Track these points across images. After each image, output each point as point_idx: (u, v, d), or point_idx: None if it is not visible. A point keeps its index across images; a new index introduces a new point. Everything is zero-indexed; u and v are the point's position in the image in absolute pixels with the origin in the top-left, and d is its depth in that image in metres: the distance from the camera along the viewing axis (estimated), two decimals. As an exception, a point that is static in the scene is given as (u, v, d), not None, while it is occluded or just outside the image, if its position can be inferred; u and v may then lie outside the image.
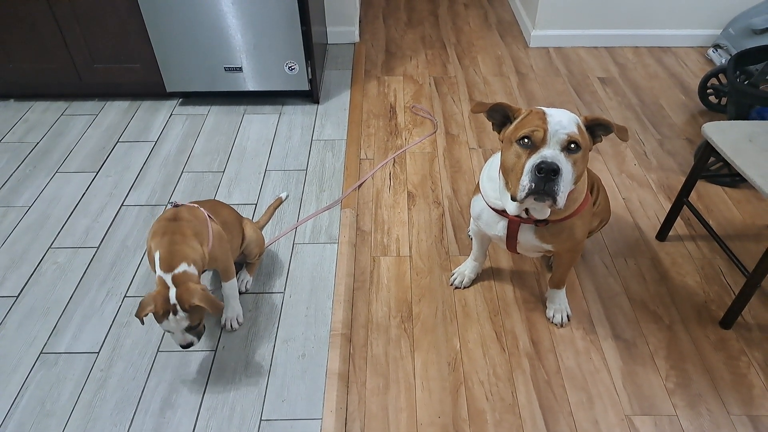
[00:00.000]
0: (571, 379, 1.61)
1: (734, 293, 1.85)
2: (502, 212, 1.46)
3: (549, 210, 1.37)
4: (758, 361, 1.64)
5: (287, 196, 2.22)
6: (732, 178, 2.26)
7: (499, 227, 1.50)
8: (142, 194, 2.22)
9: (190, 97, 2.79)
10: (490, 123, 1.41)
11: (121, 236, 2.04)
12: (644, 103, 2.80)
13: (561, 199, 1.24)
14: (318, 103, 2.77)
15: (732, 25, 3.05)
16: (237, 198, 2.21)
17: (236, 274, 1.78)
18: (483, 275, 1.92)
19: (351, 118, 2.68)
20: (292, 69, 2.58)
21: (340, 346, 1.67)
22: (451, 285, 1.88)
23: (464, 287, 1.87)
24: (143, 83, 2.67)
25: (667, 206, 2.19)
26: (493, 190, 1.47)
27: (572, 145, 1.25)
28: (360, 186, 2.31)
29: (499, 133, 1.39)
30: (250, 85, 2.64)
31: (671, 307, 1.82)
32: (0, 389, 1.56)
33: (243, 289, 1.83)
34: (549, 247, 1.49)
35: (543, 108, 1.30)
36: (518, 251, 1.57)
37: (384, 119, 2.71)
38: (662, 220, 2.04)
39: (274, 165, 2.38)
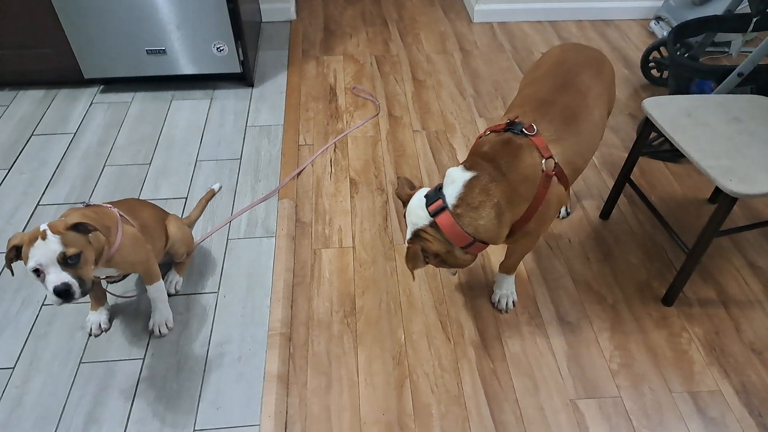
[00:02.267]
0: (517, 366, 1.58)
1: (676, 269, 1.85)
2: None
3: None
4: (699, 336, 1.65)
5: (220, 188, 2.09)
6: (673, 153, 2.27)
7: None
8: (60, 191, 2.05)
9: (112, 84, 2.59)
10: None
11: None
12: (587, 78, 2.78)
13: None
14: (252, 86, 2.63)
15: (671, -3, 3.05)
16: (165, 192, 2.06)
17: (164, 275, 1.67)
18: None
19: (288, 101, 2.55)
20: (221, 50, 2.42)
21: (278, 346, 1.59)
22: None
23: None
24: (58, 70, 2.45)
25: (611, 184, 2.18)
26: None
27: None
28: (299, 174, 2.20)
29: None
30: (177, 69, 2.47)
31: (615, 286, 1.81)
32: None
33: (172, 291, 1.71)
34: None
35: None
36: None
37: (324, 102, 2.59)
38: (606, 198, 2.03)
39: (205, 155, 2.24)
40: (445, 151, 2.33)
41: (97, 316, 1.60)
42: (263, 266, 1.82)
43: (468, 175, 1.31)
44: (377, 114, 2.52)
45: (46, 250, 1.18)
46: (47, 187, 2.06)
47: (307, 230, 1.98)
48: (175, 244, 1.66)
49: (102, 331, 1.61)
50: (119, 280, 1.66)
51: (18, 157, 2.19)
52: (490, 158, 1.33)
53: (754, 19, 2.19)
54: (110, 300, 1.67)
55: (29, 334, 1.60)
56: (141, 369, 1.53)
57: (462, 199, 1.30)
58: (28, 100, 2.49)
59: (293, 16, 3.18)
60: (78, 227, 1.25)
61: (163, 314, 1.60)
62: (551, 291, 1.78)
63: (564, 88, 1.44)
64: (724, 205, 1.47)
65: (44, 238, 1.19)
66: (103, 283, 1.62)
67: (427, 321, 1.69)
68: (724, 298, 1.76)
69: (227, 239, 1.91)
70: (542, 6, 3.24)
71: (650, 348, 1.63)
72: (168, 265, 1.75)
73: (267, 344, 1.59)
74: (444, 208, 1.30)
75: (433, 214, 1.31)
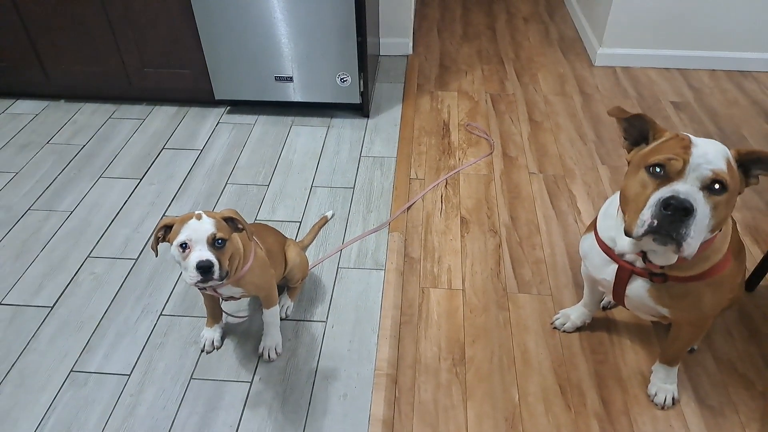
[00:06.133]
0: (646, 448, 1.42)
1: (837, 358, 1.61)
2: (614, 255, 1.25)
3: (674, 256, 1.12)
4: None
5: (333, 215, 2.09)
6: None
7: (608, 272, 1.28)
8: (185, 205, 2.13)
9: (238, 106, 2.71)
10: (622, 138, 1.21)
11: (161, 249, 1.94)
12: (724, 132, 2.57)
13: (690, 247, 1.00)
14: (368, 117, 2.65)
15: (825, 50, 2.78)
16: (281, 214, 2.09)
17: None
18: (544, 317, 1.74)
19: (402, 134, 2.54)
20: (344, 81, 2.46)
21: (385, 388, 1.52)
22: (552, 324, 1.71)
23: (565, 331, 1.69)
24: (192, 89, 2.60)
25: (756, 251, 1.97)
26: (607, 228, 1.27)
27: (716, 185, 1.00)
28: (409, 208, 2.16)
29: (629, 152, 1.19)
30: (300, 96, 2.54)
31: (764, 370, 1.59)
32: (28, 408, 1.47)
33: (283, 315, 1.71)
34: (665, 311, 1.26)
35: (689, 135, 1.08)
36: (627, 307, 1.35)
37: (437, 137, 2.56)
38: (752, 268, 1.82)
39: (320, 181, 2.26)
40: (564, 197, 2.21)
41: (212, 333, 1.62)
42: (371, 300, 1.78)
43: None
44: (491, 153, 2.45)
45: (198, 229, 1.22)
46: (173, 199, 2.16)
47: (416, 267, 1.93)
48: (293, 269, 1.65)
49: (214, 349, 1.62)
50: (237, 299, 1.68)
51: (149, 168, 2.32)
52: None
53: None
54: (224, 318, 1.68)
55: (146, 343, 1.64)
56: (248, 394, 1.51)
57: None
58: (162, 115, 2.65)
59: (410, 51, 3.20)
60: (230, 221, 1.30)
61: (274, 339, 1.59)
62: (688, 368, 1.60)
63: None
64: None
65: (199, 218, 1.24)
66: (221, 300, 1.64)
67: (544, 383, 1.57)
68: None
69: (338, 267, 1.89)
70: (672, 53, 3.06)
71: (808, 449, 1.40)
72: (280, 288, 1.75)
73: (373, 384, 1.54)
74: None
75: None
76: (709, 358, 1.62)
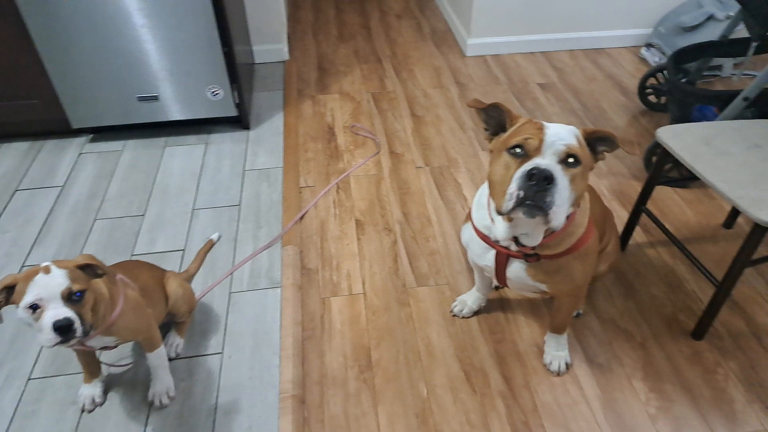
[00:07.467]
0: (550, 417, 1.47)
1: (701, 300, 1.78)
2: (490, 241, 1.31)
3: (541, 234, 1.20)
4: (735, 372, 1.56)
5: (219, 237, 1.99)
6: (683, 179, 2.22)
7: (488, 257, 1.34)
8: (48, 250, 1.92)
9: (102, 133, 2.49)
10: (483, 129, 1.26)
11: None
12: (586, 107, 2.75)
13: (557, 216, 1.06)
14: (248, 128, 2.55)
15: (662, 23, 3.07)
16: (161, 245, 1.95)
17: (163, 336, 1.54)
18: (444, 306, 1.76)
19: (286, 143, 2.47)
20: (216, 94, 2.35)
21: (292, 410, 1.46)
22: (451, 312, 1.73)
23: (464, 317, 1.72)
24: (44, 121, 2.36)
25: (623, 213, 2.12)
26: (481, 218, 1.31)
27: (570, 159, 1.09)
28: (302, 218, 2.11)
29: (490, 141, 1.25)
30: (171, 115, 2.39)
31: (641, 322, 1.72)
32: None
33: (173, 354, 1.59)
34: (543, 287, 1.33)
35: (541, 121, 1.16)
36: (510, 287, 1.41)
37: (323, 142, 2.52)
38: (621, 230, 1.96)
39: (202, 202, 2.14)
40: (451, 186, 2.26)
41: (91, 390, 1.46)
42: (270, 320, 1.70)
43: None
44: (378, 152, 2.45)
45: (49, 284, 1.09)
46: (33, 245, 1.94)
47: (314, 278, 1.88)
48: (177, 302, 1.54)
49: (96, 406, 1.47)
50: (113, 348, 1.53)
51: (0, 215, 2.07)
52: None
53: (754, 44, 2.17)
54: (104, 370, 1.53)
55: (14, 414, 1.46)
56: (143, 444, 1.39)
57: None
58: (12, 153, 2.38)
59: (286, 56, 3.13)
60: (87, 268, 1.17)
61: (164, 383, 1.47)
62: (576, 331, 1.69)
63: None
64: (755, 235, 1.41)
65: (48, 272, 1.10)
66: (97, 352, 1.49)
67: (449, 372, 1.58)
68: (755, 329, 1.68)
69: (230, 293, 1.79)
70: (534, 38, 3.23)
71: (686, 387, 1.53)
72: (167, 325, 1.63)
73: (279, 409, 1.47)
74: None
75: None
76: (594, 319, 1.72)
